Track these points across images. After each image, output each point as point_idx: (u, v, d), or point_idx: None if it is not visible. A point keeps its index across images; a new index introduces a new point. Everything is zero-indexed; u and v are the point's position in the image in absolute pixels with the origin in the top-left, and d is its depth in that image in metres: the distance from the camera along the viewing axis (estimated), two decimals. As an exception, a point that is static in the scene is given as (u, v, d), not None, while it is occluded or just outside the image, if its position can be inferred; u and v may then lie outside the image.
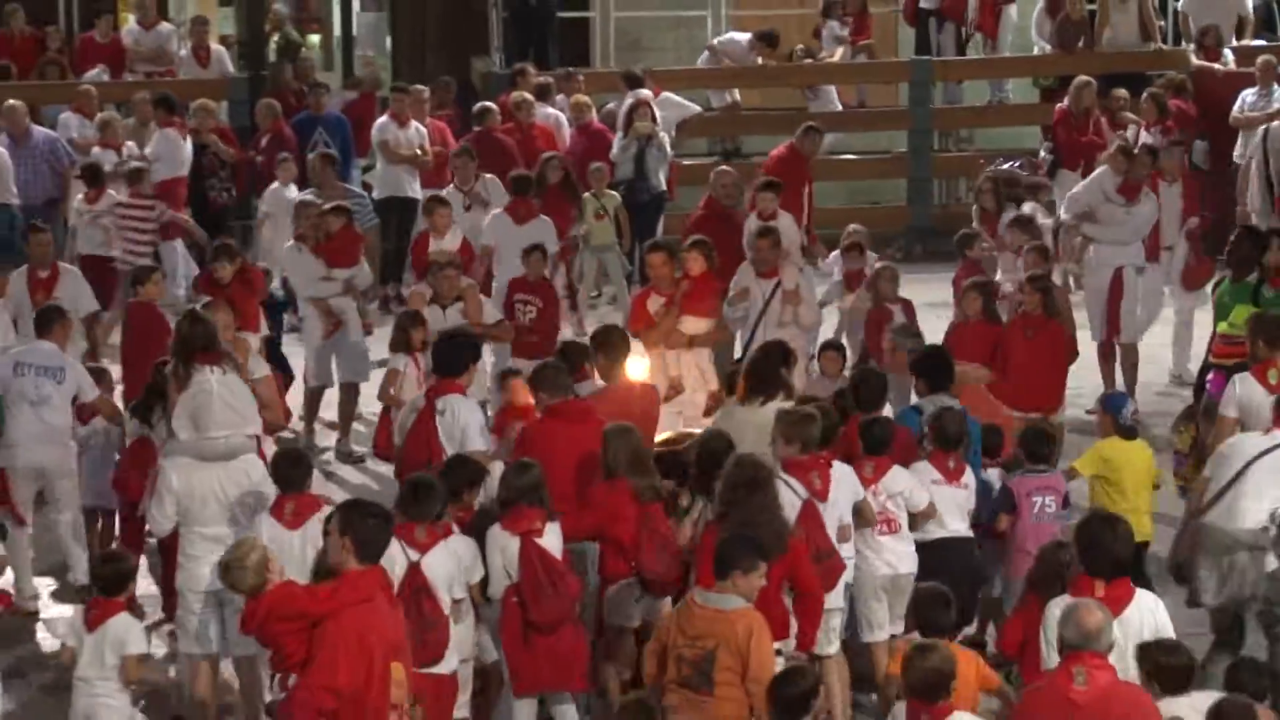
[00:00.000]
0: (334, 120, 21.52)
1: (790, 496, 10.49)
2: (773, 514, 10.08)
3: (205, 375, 11.35)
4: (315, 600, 8.86)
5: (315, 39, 30.11)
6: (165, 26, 24.23)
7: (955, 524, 11.24)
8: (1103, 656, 8.38)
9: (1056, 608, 9.00)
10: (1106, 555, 9.21)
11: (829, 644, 10.52)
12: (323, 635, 8.69)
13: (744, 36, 24.32)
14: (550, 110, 21.33)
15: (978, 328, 14.25)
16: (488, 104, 20.74)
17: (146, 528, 12.04)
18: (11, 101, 20.58)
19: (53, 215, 19.69)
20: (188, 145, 20.67)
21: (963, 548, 11.19)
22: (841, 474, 10.90)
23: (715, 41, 24.67)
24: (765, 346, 12.94)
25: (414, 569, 10.03)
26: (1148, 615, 9.27)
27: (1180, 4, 23.77)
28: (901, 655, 9.15)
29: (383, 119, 21.04)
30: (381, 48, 28.23)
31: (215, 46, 24.42)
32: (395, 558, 9.77)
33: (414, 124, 20.75)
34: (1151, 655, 8.85)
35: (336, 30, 29.67)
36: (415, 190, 19.85)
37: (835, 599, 10.63)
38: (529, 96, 20.90)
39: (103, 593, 10.15)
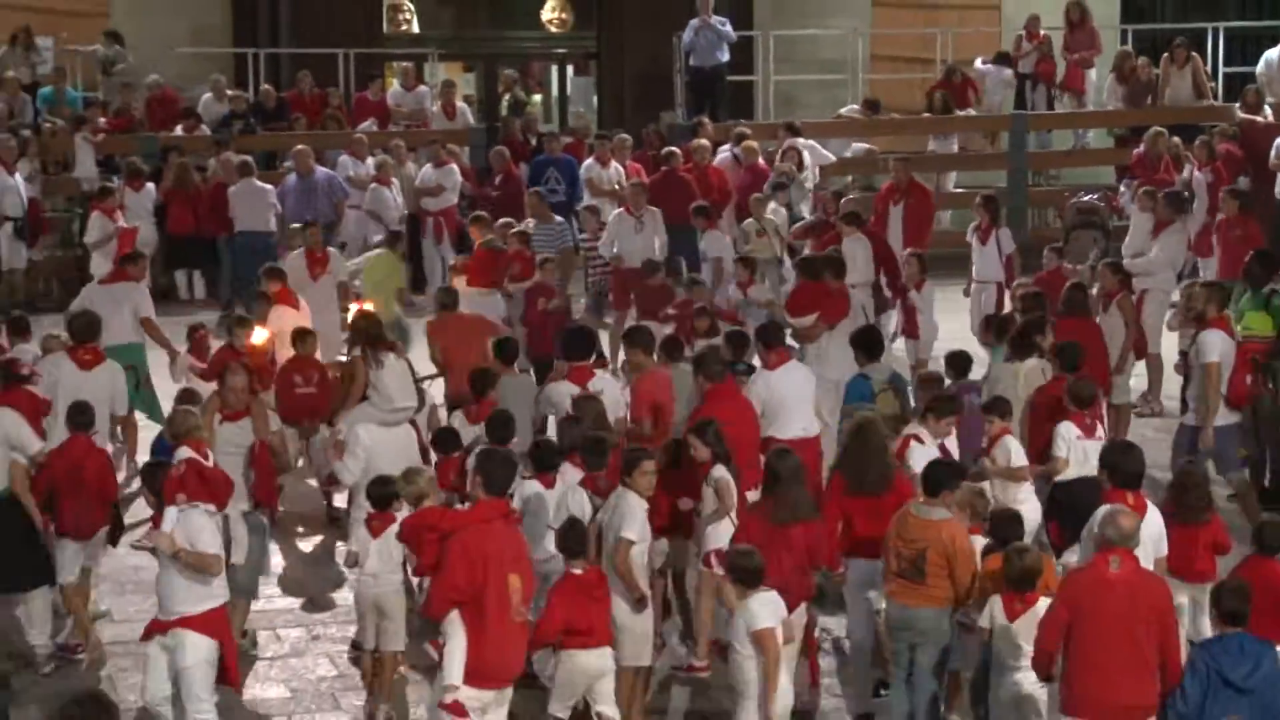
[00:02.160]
0: (565, 162, 23.28)
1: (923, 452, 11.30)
2: (879, 457, 10.89)
3: (392, 359, 12.32)
4: (445, 519, 9.71)
5: (538, 98, 31.77)
6: (422, 88, 26.41)
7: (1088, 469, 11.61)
8: (1131, 551, 9.10)
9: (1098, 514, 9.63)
10: (1128, 471, 10.17)
11: None
12: (449, 547, 9.40)
13: (854, 106, 26.15)
14: (730, 151, 22.70)
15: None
16: (673, 148, 21.94)
17: None
18: (300, 146, 23.05)
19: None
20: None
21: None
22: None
23: (842, 111, 26.16)
24: (1025, 319, 14.00)
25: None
26: (1156, 519, 10.25)
27: (1258, 69, 24.97)
28: (1000, 556, 9.85)
29: (589, 160, 22.84)
30: (589, 104, 30.81)
31: (459, 104, 26.33)
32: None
33: (614, 164, 22.49)
34: (732, 559, 9.85)
35: (554, 90, 32.08)
36: (616, 218, 20.20)
37: None
38: (705, 143, 22.24)
39: (377, 508, 10.96)
